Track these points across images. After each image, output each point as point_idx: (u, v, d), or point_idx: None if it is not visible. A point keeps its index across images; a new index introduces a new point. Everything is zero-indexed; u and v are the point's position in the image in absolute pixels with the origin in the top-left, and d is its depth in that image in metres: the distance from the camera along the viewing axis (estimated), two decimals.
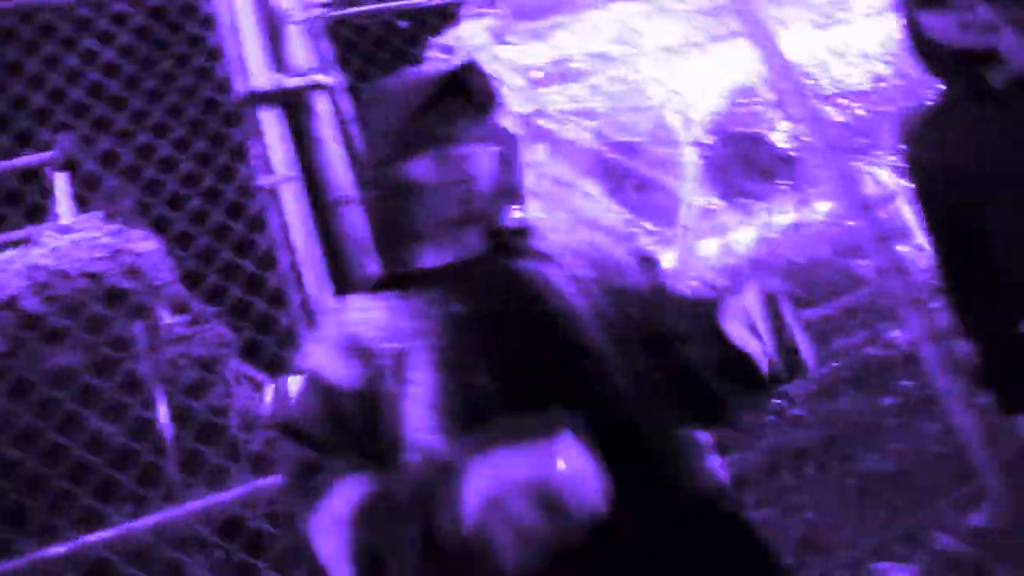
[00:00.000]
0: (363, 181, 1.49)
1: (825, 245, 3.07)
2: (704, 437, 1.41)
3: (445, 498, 1.12)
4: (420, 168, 1.40)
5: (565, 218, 2.59)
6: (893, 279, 2.64)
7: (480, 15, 2.70)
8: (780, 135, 3.18)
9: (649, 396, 1.34)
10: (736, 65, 3.16)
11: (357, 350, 1.34)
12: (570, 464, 1.09)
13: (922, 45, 1.73)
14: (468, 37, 2.69)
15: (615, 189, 2.74)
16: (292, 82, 2.51)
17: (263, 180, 2.43)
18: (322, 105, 2.58)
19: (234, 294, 2.47)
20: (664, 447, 1.32)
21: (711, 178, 3.05)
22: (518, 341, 1.33)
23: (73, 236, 3.02)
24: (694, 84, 3.09)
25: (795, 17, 3.20)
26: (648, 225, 2.67)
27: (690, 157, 2.98)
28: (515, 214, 1.50)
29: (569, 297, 1.38)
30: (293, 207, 2.43)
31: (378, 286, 1.44)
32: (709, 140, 3.04)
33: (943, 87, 1.76)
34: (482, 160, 1.41)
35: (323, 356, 1.37)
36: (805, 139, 2.99)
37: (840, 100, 3.14)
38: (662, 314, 1.42)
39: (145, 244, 3.15)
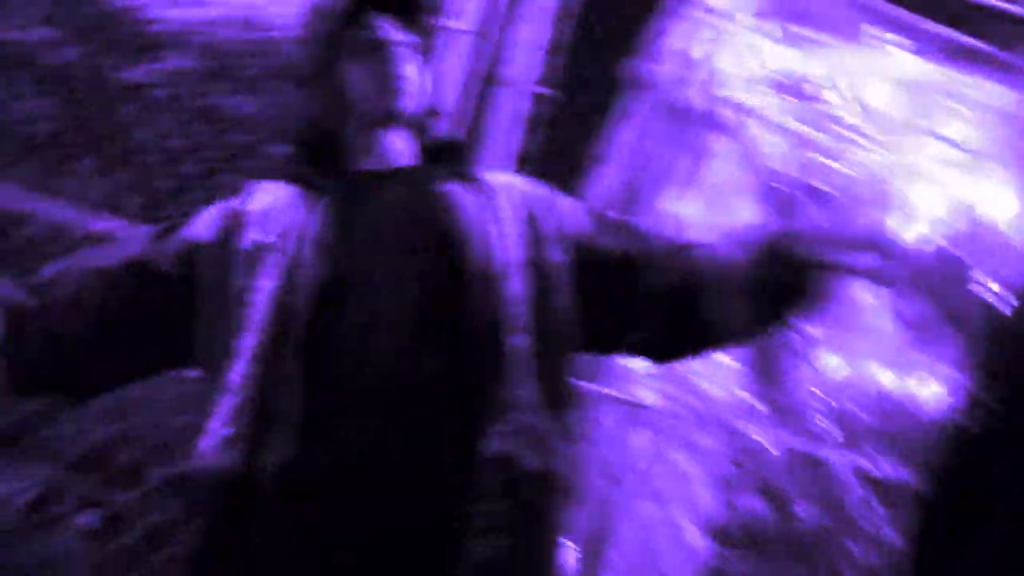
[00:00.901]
0: (297, 83, 1.59)
1: None
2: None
3: None
4: (347, 70, 1.45)
5: (699, 215, 2.35)
6: None
7: None
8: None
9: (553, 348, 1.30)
10: (984, 195, 2.78)
11: (236, 224, 1.39)
12: None
13: None
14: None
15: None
16: None
17: (447, 21, 2.34)
18: None
19: None
20: (499, 403, 1.23)
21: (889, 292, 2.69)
22: (395, 260, 1.31)
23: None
24: (925, 183, 2.73)
25: None
26: None
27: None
28: (444, 130, 1.57)
29: (475, 226, 1.33)
30: (456, 61, 2.32)
31: (297, 178, 1.46)
32: (912, 248, 2.68)
33: None
34: (408, 67, 1.46)
35: (205, 216, 1.44)
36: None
37: None
38: (628, 245, 1.43)
39: None
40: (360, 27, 1.46)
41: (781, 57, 2.60)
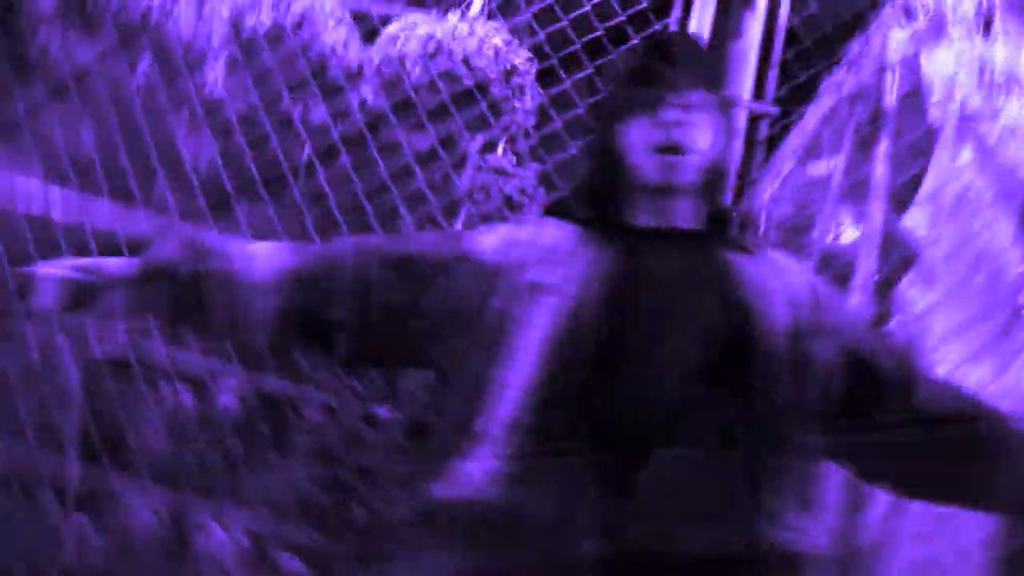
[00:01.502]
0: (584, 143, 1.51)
1: None
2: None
3: None
4: (630, 132, 1.38)
5: (951, 234, 2.20)
6: None
7: None
8: None
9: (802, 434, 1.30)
10: None
11: (518, 253, 1.36)
12: None
13: None
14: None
15: None
16: None
17: None
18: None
19: None
20: (759, 490, 1.24)
21: None
22: (676, 319, 1.30)
23: (471, 28, 3.05)
24: None
25: None
26: None
27: None
28: (729, 199, 1.61)
29: (755, 299, 1.32)
30: None
31: (575, 220, 1.44)
32: None
33: None
34: (693, 131, 1.38)
35: (487, 234, 1.41)
36: None
37: None
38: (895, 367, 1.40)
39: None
40: (651, 85, 1.40)
41: (1014, 58, 2.46)
